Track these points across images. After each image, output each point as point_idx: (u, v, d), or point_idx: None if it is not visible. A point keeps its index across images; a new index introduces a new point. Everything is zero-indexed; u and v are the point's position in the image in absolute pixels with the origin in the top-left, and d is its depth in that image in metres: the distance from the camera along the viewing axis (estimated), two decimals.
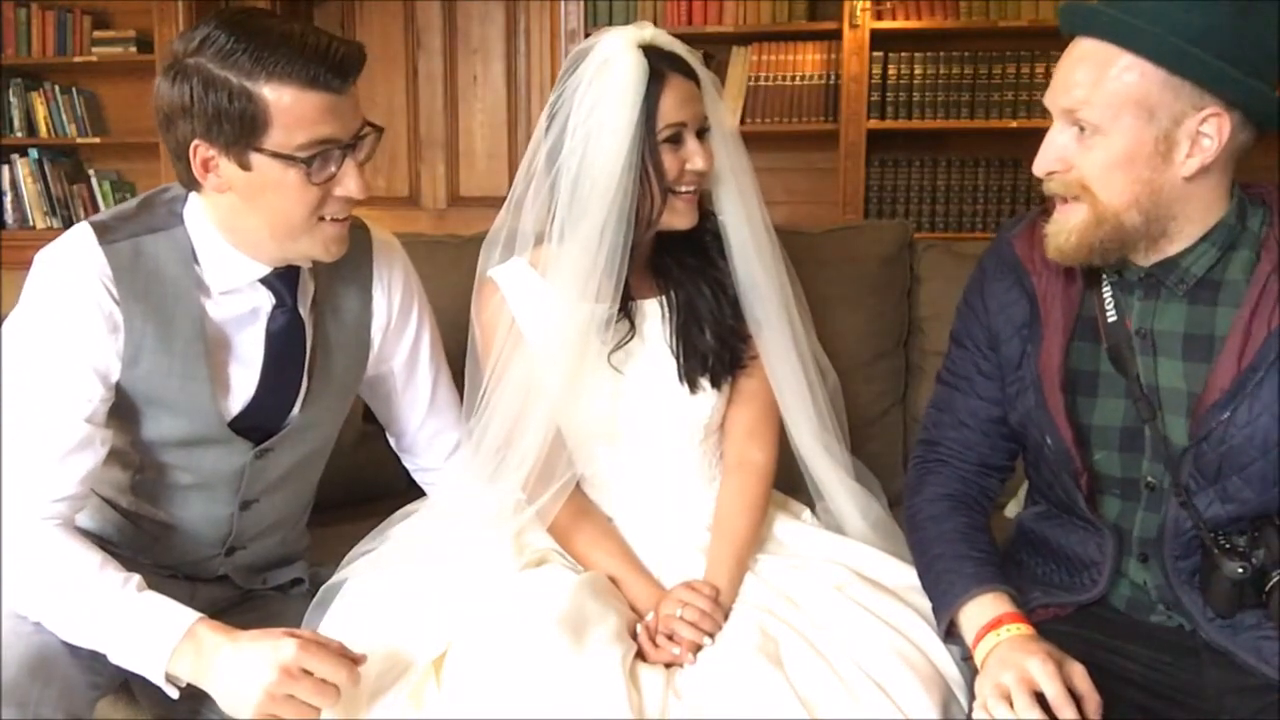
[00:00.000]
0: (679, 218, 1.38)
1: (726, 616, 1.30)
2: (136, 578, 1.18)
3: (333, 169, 1.19)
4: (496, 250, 1.44)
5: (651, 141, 1.33)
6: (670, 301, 1.45)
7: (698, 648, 1.25)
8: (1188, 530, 1.16)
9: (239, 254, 1.26)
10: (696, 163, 1.35)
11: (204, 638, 1.13)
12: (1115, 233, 1.13)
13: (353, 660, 1.12)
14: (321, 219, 1.22)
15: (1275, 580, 1.10)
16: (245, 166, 1.17)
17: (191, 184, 1.23)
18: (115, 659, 1.15)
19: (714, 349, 1.43)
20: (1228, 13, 1.06)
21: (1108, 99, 1.09)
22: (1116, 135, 1.10)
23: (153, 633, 1.13)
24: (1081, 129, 1.12)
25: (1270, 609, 1.12)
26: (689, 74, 1.37)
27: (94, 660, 1.18)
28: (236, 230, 1.25)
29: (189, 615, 1.15)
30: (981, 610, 1.16)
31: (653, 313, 1.45)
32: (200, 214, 1.26)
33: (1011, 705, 1.03)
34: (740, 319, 1.45)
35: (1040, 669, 1.04)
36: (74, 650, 1.17)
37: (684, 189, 1.37)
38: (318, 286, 1.36)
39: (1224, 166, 1.13)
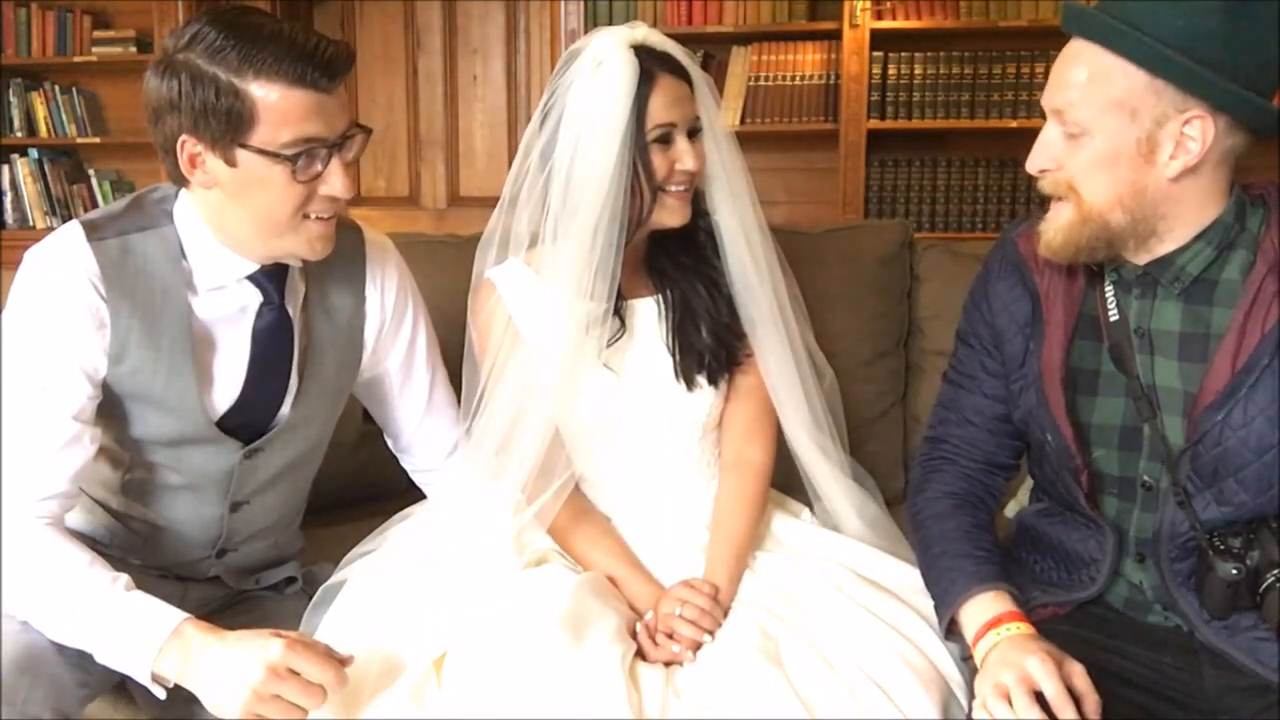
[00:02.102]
0: (670, 215, 1.39)
1: (726, 614, 1.30)
2: (125, 577, 1.18)
3: (318, 167, 1.20)
4: (491, 251, 1.44)
5: (641, 141, 1.33)
6: (665, 300, 1.45)
7: (698, 646, 1.25)
8: (1184, 532, 1.16)
9: (227, 251, 1.26)
10: (686, 163, 1.35)
11: (191, 637, 1.12)
12: (1101, 232, 1.14)
13: (340, 661, 1.12)
14: (307, 217, 1.22)
15: (1269, 582, 1.10)
16: (231, 163, 1.18)
17: (179, 179, 1.23)
18: (101, 658, 1.15)
19: (710, 346, 1.43)
20: (1216, 17, 1.06)
21: (1093, 99, 1.10)
22: (1100, 136, 1.11)
23: (139, 632, 1.13)
24: (1068, 128, 1.13)
25: (1264, 611, 1.11)
26: (680, 74, 1.37)
27: (82, 659, 1.18)
28: (223, 227, 1.25)
29: (176, 614, 1.14)
30: (981, 609, 1.16)
31: (648, 311, 1.46)
32: (189, 211, 1.26)
33: (1011, 704, 1.03)
34: (735, 316, 1.45)
35: (1040, 668, 1.04)
36: (62, 649, 1.17)
37: (674, 187, 1.37)
38: (309, 287, 1.36)
39: (1215, 167, 1.13)
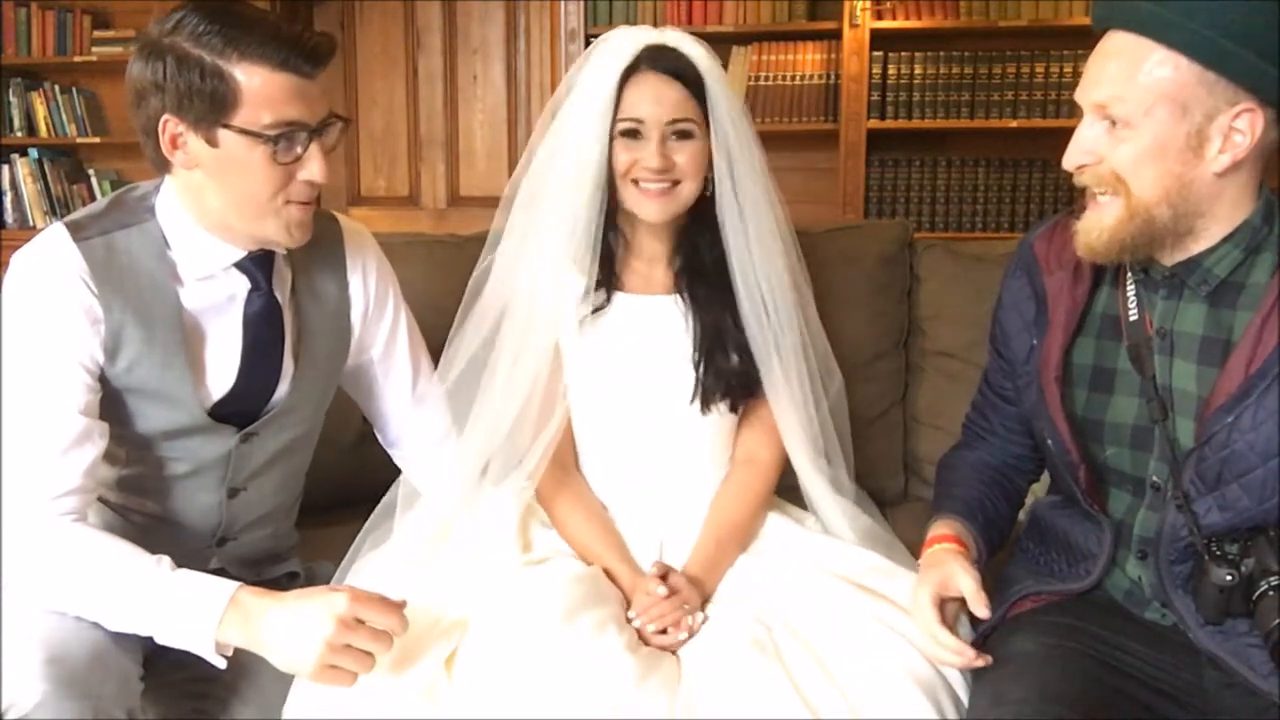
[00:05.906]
0: (640, 208, 1.39)
1: (707, 600, 1.33)
2: (166, 558, 1.19)
3: (298, 150, 1.23)
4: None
5: (611, 131, 1.36)
6: (693, 316, 1.44)
7: (687, 632, 1.27)
8: (1184, 536, 1.16)
9: (211, 238, 1.28)
10: (647, 160, 1.35)
11: (249, 604, 1.15)
12: (1145, 227, 1.13)
13: (397, 606, 1.15)
14: (286, 202, 1.25)
15: (1262, 590, 1.09)
16: (213, 143, 1.20)
17: (159, 162, 1.25)
18: (162, 639, 1.16)
19: (737, 372, 1.43)
20: (1268, 8, 1.06)
21: (1140, 93, 1.09)
22: (1147, 129, 1.10)
23: (196, 606, 1.15)
24: (1113, 123, 1.12)
25: (1256, 618, 1.10)
26: (675, 75, 1.37)
27: (135, 653, 1.20)
28: (205, 212, 1.27)
29: (228, 584, 1.17)
30: (935, 529, 1.31)
31: (667, 312, 1.45)
32: (171, 202, 1.29)
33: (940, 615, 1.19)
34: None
35: (959, 572, 1.20)
36: (120, 642, 1.18)
37: (646, 184, 1.37)
38: (296, 274, 1.38)
39: (1254, 164, 1.13)
